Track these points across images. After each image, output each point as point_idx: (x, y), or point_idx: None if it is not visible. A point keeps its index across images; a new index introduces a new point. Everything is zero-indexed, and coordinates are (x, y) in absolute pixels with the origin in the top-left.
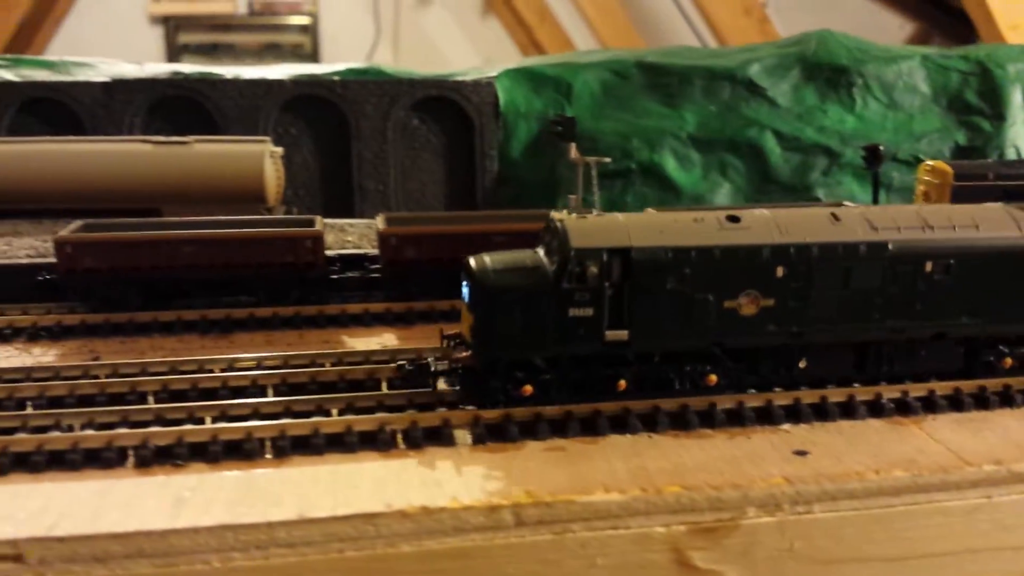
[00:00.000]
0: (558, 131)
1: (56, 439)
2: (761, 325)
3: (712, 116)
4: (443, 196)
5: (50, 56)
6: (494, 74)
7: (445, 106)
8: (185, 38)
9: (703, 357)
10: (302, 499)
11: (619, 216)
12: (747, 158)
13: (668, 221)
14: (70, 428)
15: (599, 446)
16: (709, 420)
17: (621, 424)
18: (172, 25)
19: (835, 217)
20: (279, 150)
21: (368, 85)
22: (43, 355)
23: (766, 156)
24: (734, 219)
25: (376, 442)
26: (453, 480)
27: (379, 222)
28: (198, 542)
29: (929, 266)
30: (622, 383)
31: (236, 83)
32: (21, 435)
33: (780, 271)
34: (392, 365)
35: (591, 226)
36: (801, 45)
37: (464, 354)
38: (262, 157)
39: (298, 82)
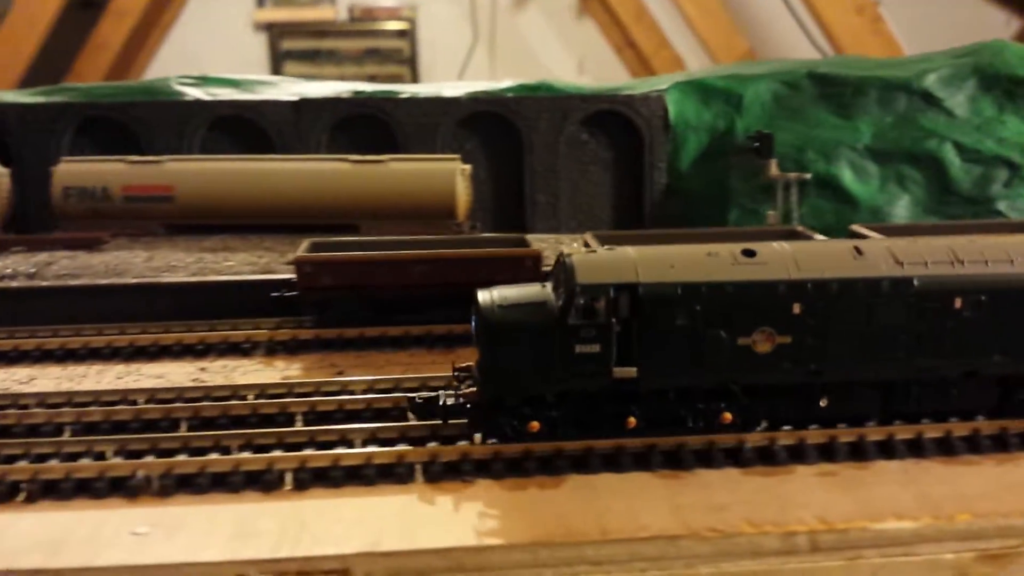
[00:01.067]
0: (755, 147)
1: (379, 453)
2: (777, 363)
3: (888, 127)
4: (610, 209)
5: (159, 62)
6: (664, 87)
7: (614, 120)
8: (288, 44)
9: (717, 394)
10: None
11: (629, 251)
12: (925, 170)
13: (679, 255)
14: (350, 444)
15: (870, 471)
16: (975, 446)
17: (887, 450)
18: (275, 32)
19: (858, 251)
20: (468, 168)
21: (542, 101)
22: (288, 369)
23: (945, 168)
24: (749, 253)
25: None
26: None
27: (301, 249)
28: (510, 558)
29: (959, 302)
30: (632, 420)
31: (416, 101)
32: (340, 450)
33: (797, 308)
34: None
35: (598, 261)
36: (975, 56)
37: (470, 389)
38: (454, 175)
39: (475, 99)
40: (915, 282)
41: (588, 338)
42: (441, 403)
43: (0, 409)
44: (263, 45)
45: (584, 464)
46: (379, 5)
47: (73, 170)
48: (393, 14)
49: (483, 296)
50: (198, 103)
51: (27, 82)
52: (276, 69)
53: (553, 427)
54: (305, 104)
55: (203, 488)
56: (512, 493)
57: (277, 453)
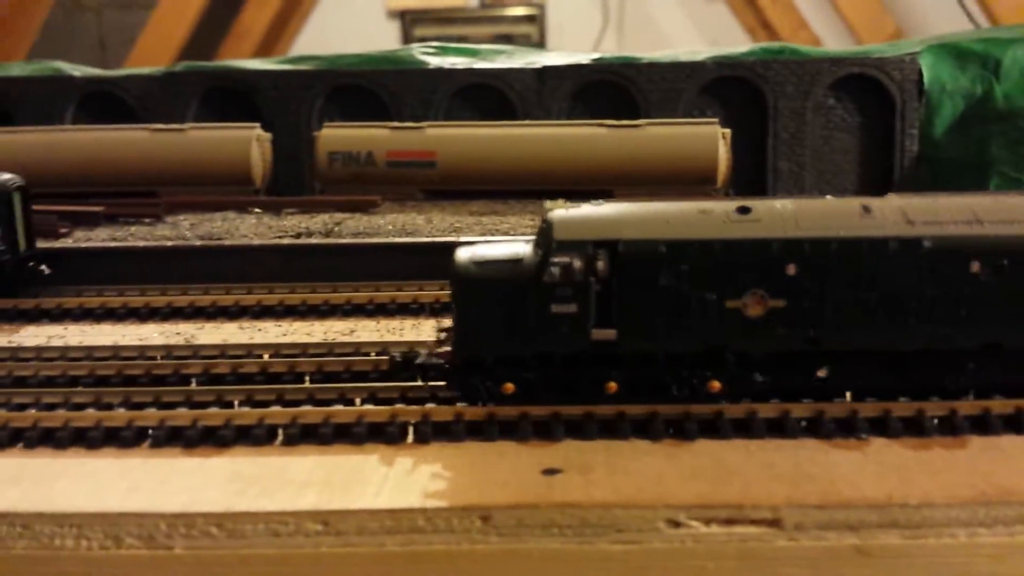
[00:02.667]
0: None
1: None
2: (770, 328)
3: None
4: (856, 178)
5: (297, 49)
6: (917, 50)
7: (863, 84)
8: (420, 31)
9: (705, 361)
10: None
11: (614, 206)
12: None
13: (668, 212)
14: None
15: None
16: None
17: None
18: (408, 19)
19: (866, 209)
20: (728, 132)
21: (790, 65)
22: None
23: None
24: (744, 210)
25: None
26: None
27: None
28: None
29: (976, 266)
30: (612, 386)
31: (659, 66)
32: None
33: (792, 269)
34: None
35: (579, 217)
36: None
37: (445, 349)
38: (716, 139)
39: (719, 63)
40: (926, 243)
41: (564, 297)
42: (419, 362)
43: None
44: (396, 32)
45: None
46: None
47: (337, 135)
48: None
49: (460, 253)
50: (444, 71)
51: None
52: None
53: (529, 390)
54: (548, 71)
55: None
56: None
57: None
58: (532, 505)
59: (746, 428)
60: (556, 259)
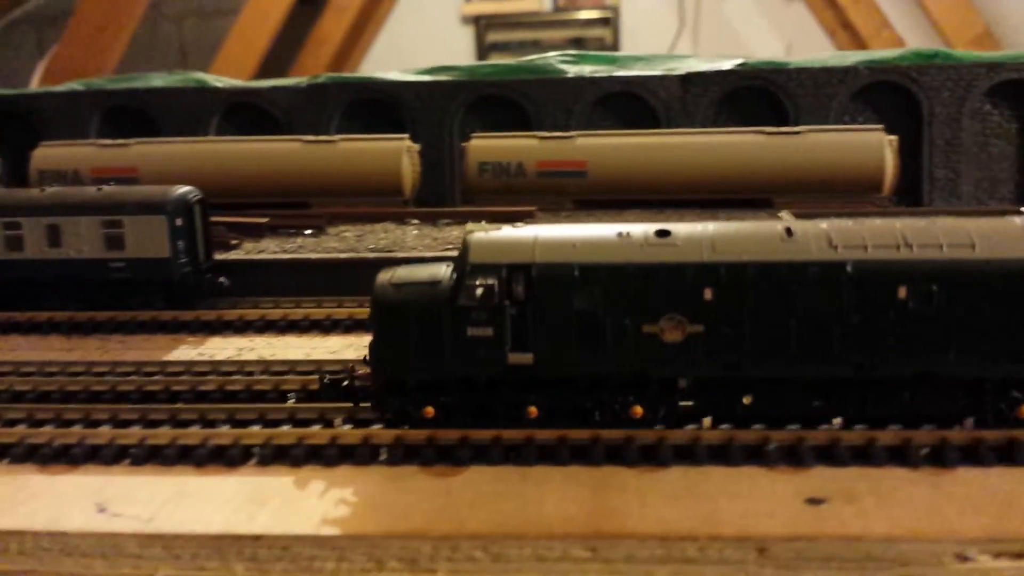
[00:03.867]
0: None
1: None
2: (689, 354)
3: None
4: (1015, 185)
5: (373, 57)
6: None
7: (1021, 90)
8: (493, 36)
9: (626, 386)
10: None
11: (534, 229)
12: None
13: (584, 235)
14: None
15: None
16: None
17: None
18: (482, 24)
19: (788, 232)
20: (894, 138)
21: (945, 70)
22: None
23: None
24: (663, 234)
25: None
26: None
27: None
28: None
29: (903, 291)
30: (532, 410)
31: (809, 71)
32: None
33: (708, 294)
34: None
35: (495, 240)
36: None
37: (364, 371)
38: (882, 146)
39: (872, 68)
40: (848, 267)
41: (480, 321)
42: (345, 384)
43: None
44: (470, 37)
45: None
46: None
47: (487, 146)
48: (597, 2)
49: (382, 275)
50: (588, 80)
51: (257, 77)
52: (481, 61)
53: (449, 414)
54: (693, 78)
55: None
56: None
57: None
58: (810, 537)
59: (1008, 454)
60: (471, 282)
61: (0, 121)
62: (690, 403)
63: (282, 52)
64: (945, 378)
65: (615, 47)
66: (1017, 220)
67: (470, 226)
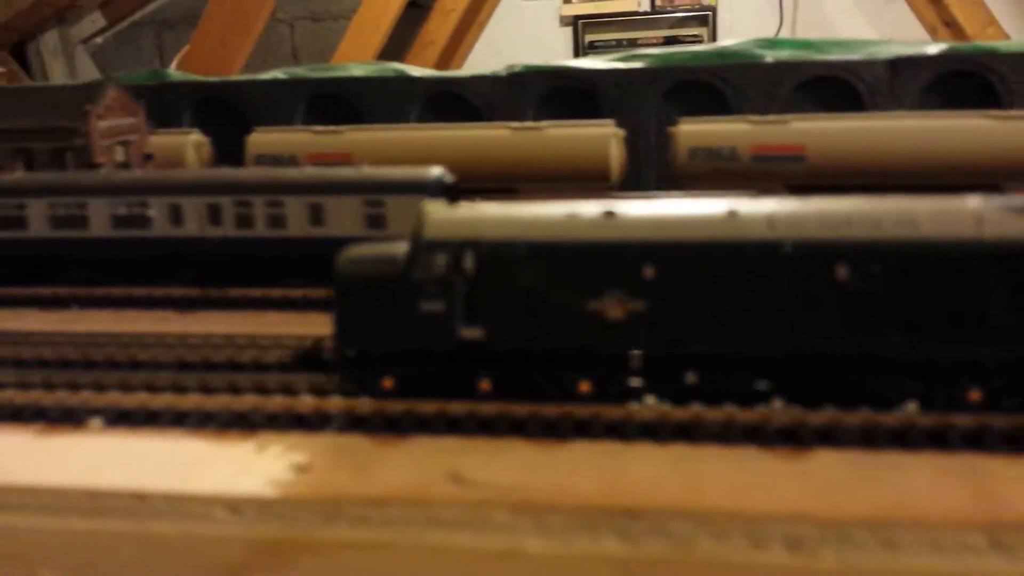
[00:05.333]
0: None
1: None
2: (631, 331)
3: None
4: None
5: (473, 58)
6: None
7: None
8: (591, 36)
9: (575, 362)
10: None
11: (489, 206)
12: None
13: (534, 213)
14: None
15: None
16: None
17: None
18: (581, 24)
19: (731, 214)
20: None
21: None
22: None
23: None
24: (610, 214)
25: None
26: None
27: None
28: None
29: (842, 272)
30: (484, 383)
31: None
32: None
33: (649, 272)
34: None
35: (450, 217)
36: None
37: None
38: None
39: None
40: (785, 247)
41: (432, 295)
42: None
43: None
44: (567, 38)
45: None
46: None
47: (698, 131)
48: (695, 1)
49: (345, 251)
50: (791, 64)
51: None
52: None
53: (407, 386)
54: (902, 62)
55: None
56: None
57: None
58: None
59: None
60: (423, 257)
61: (205, 107)
62: (638, 380)
63: (390, 54)
64: (890, 361)
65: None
66: (968, 200)
67: (426, 203)
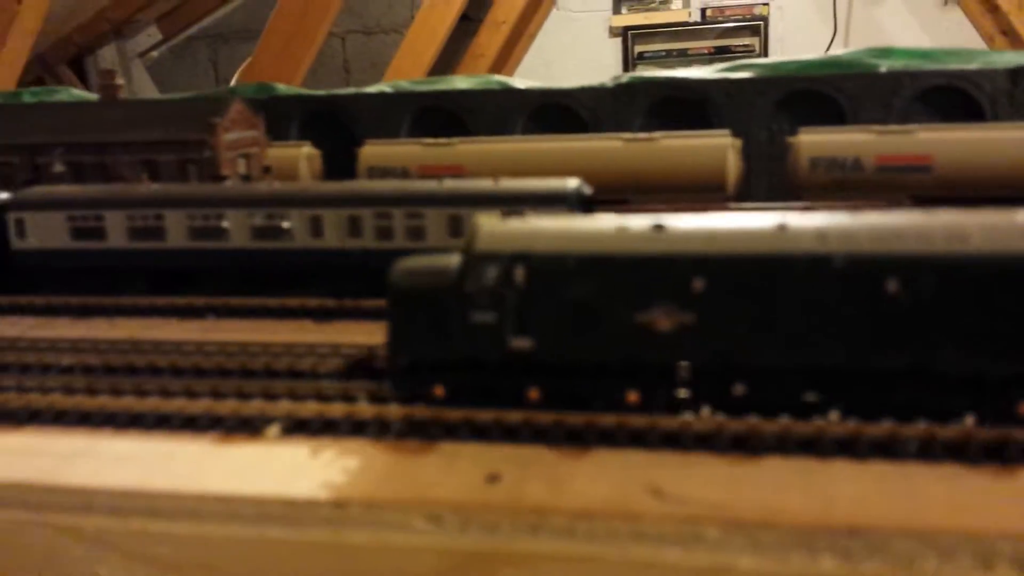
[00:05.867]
0: None
1: None
2: (680, 343)
3: None
4: None
5: (522, 70)
6: None
7: None
8: (640, 47)
9: (623, 373)
10: None
11: (542, 220)
12: None
13: (584, 226)
14: None
15: None
16: None
17: None
18: (631, 36)
19: (781, 227)
20: None
21: None
22: None
23: None
24: (659, 227)
25: None
26: None
27: None
28: None
29: (892, 285)
30: (533, 393)
31: None
32: None
33: (698, 285)
34: None
35: (502, 229)
36: None
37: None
38: None
39: None
40: (835, 261)
41: (483, 306)
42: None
43: None
44: (617, 49)
45: None
46: (732, 3)
47: (820, 141)
48: (746, 11)
49: (400, 263)
50: (907, 74)
51: None
52: (629, 72)
53: (457, 394)
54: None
55: None
56: None
57: None
58: None
59: None
60: (475, 269)
61: (311, 120)
62: (687, 392)
63: (439, 67)
64: (940, 374)
65: (764, 55)
66: (1020, 214)
67: (479, 215)
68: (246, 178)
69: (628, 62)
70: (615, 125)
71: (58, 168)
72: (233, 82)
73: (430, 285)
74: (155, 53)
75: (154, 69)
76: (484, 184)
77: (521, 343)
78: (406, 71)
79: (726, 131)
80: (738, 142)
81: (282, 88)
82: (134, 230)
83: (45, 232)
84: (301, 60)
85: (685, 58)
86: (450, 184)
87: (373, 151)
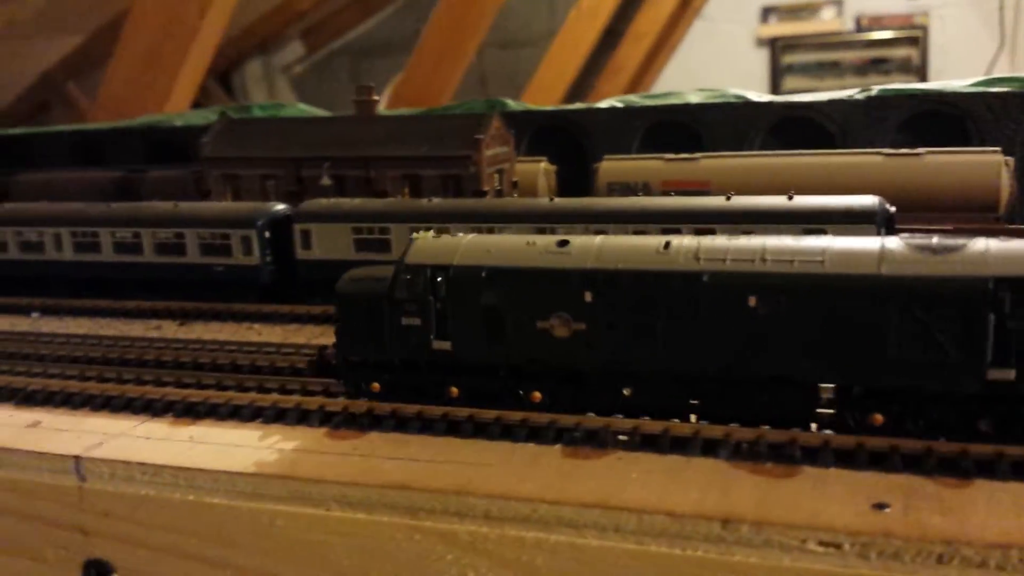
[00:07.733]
0: None
1: None
2: (575, 348)
3: None
4: None
5: (663, 81)
6: None
7: None
8: (789, 59)
9: (530, 374)
10: None
11: (464, 237)
12: None
13: (500, 243)
14: None
15: None
16: None
17: None
18: (778, 46)
19: (666, 246)
20: None
21: None
22: None
23: None
24: (562, 244)
25: None
26: None
27: None
28: None
29: (753, 301)
30: (453, 390)
31: None
32: None
33: (588, 296)
34: None
35: (430, 245)
36: None
37: (331, 350)
38: None
39: None
40: (704, 278)
41: (411, 311)
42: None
43: None
44: (764, 60)
45: None
46: (888, 12)
47: None
48: (905, 21)
49: (348, 272)
50: None
51: (563, 103)
52: (775, 84)
53: (391, 390)
54: None
55: None
56: None
57: None
58: None
59: None
60: (404, 278)
61: (542, 134)
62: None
63: (582, 80)
64: (802, 383)
65: (922, 67)
66: (876, 239)
67: (416, 233)
68: (499, 193)
69: (776, 74)
70: (865, 140)
71: (325, 181)
72: (384, 98)
73: (369, 292)
74: (298, 68)
75: (297, 83)
76: (778, 201)
77: (442, 345)
78: (548, 85)
79: (996, 148)
80: (1011, 160)
81: (512, 104)
82: None
83: (330, 243)
84: (452, 75)
85: (837, 70)
86: (742, 201)
87: (612, 166)
